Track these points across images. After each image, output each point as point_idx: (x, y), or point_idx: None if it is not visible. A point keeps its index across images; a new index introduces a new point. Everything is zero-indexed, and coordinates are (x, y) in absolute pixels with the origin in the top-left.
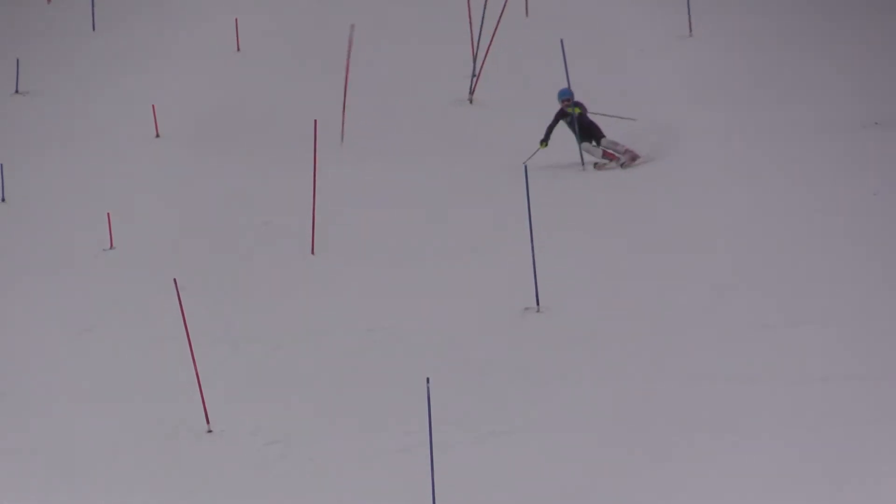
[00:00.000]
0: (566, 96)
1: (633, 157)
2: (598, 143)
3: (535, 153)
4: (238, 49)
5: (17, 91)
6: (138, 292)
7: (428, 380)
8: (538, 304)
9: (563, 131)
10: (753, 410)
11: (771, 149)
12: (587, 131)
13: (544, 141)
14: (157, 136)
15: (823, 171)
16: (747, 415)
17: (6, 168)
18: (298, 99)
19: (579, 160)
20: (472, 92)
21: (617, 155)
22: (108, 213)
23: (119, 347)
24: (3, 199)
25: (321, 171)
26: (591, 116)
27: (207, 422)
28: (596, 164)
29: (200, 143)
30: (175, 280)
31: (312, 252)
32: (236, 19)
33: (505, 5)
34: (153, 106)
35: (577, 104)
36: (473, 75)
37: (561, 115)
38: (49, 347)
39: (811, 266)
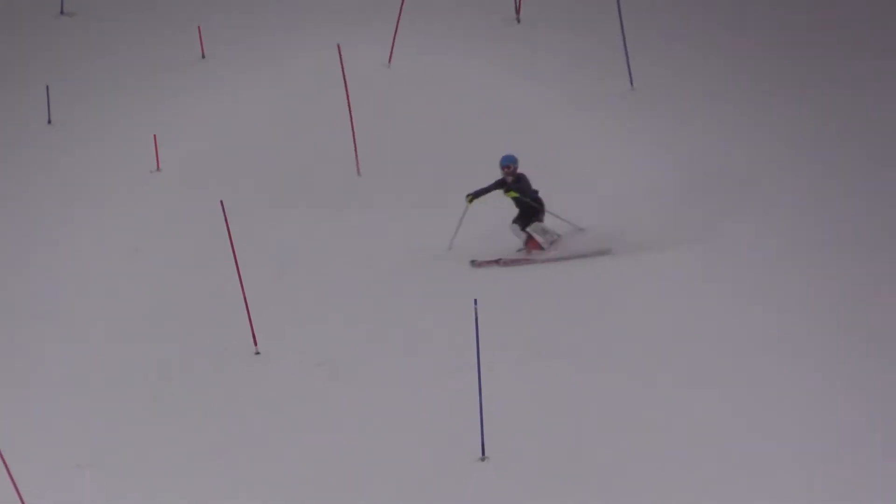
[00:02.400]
0: (508, 163)
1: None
2: (523, 228)
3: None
4: None
5: (62, 12)
6: (185, 214)
7: (476, 301)
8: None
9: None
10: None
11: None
12: (523, 214)
13: (472, 198)
14: (203, 56)
15: (862, 131)
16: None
17: (52, 90)
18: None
19: None
20: (518, 11)
21: (540, 243)
22: (154, 136)
23: (167, 269)
24: (49, 122)
25: (367, 95)
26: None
27: (255, 343)
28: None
29: (246, 62)
30: (222, 202)
31: (358, 173)
32: None
33: None
34: (199, 27)
35: (517, 183)
36: None
37: (500, 184)
38: (97, 269)
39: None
